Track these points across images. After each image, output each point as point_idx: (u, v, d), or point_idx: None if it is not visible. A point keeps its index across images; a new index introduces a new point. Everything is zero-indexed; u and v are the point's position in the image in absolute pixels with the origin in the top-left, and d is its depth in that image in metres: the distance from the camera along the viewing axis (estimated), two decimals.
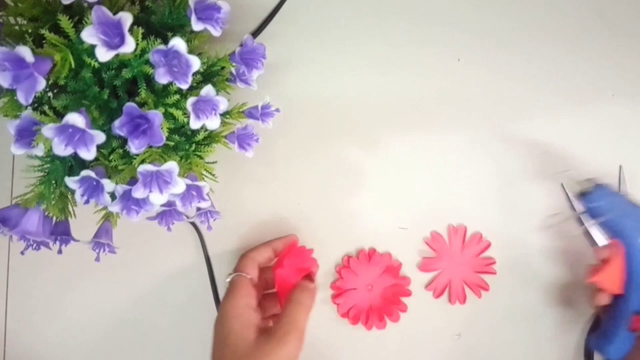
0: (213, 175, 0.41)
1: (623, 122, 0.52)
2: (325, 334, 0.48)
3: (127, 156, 0.35)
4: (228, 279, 0.43)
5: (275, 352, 0.37)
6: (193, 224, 0.48)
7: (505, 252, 0.50)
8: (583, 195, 0.43)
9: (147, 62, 0.32)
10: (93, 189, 0.33)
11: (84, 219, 0.38)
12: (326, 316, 0.49)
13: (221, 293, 0.48)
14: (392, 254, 0.49)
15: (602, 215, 0.42)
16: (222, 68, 0.39)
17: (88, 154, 0.30)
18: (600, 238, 0.47)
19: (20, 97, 0.29)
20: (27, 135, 0.32)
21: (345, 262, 0.49)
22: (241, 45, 0.39)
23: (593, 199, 0.42)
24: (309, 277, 0.45)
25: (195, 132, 0.37)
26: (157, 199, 0.33)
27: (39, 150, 0.32)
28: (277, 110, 0.42)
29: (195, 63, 0.32)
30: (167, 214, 0.39)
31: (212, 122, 0.35)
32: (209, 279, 0.48)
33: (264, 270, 0.45)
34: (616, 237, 0.43)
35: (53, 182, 0.36)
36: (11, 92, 0.31)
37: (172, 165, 0.33)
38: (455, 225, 0.50)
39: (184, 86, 0.32)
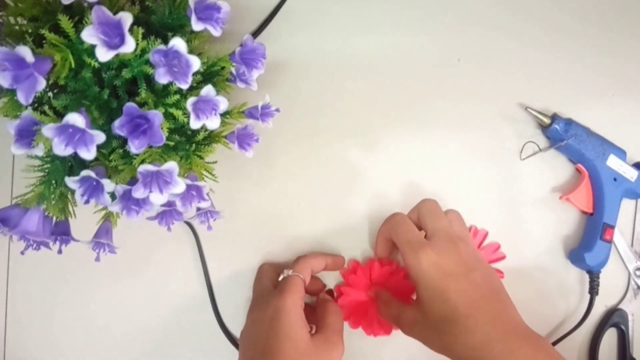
0: (213, 175, 0.41)
1: (625, 121, 0.52)
2: None
3: (127, 156, 0.35)
4: (284, 275, 0.43)
5: (332, 353, 0.40)
6: (189, 223, 0.48)
7: (509, 251, 0.50)
8: (547, 125, 0.50)
9: (147, 62, 0.32)
10: (93, 189, 0.33)
11: (84, 219, 0.38)
12: None
13: (217, 293, 0.49)
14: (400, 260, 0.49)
15: (564, 140, 0.49)
16: (222, 68, 0.39)
17: (88, 154, 0.30)
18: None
19: (20, 97, 0.29)
20: (27, 135, 0.32)
21: (352, 268, 0.49)
22: (241, 45, 0.39)
23: (555, 127, 0.49)
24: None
25: (195, 132, 0.37)
26: (157, 199, 0.33)
27: (39, 150, 0.32)
28: (277, 110, 0.42)
29: (195, 63, 0.32)
30: (167, 214, 0.39)
31: (212, 122, 0.34)
32: (205, 279, 0.48)
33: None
34: (580, 162, 0.50)
35: (53, 182, 0.36)
36: (11, 92, 0.31)
37: (172, 165, 0.33)
38: None
39: (184, 86, 0.32)
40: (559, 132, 0.49)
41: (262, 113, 0.41)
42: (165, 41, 0.31)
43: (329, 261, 0.47)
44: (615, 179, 0.49)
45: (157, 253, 0.49)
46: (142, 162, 0.34)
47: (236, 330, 0.48)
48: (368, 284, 0.48)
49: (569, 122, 0.49)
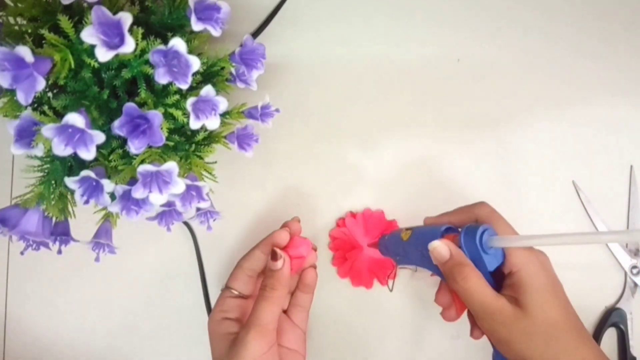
0: (213, 175, 0.41)
1: (631, 122, 0.52)
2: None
3: (127, 156, 0.35)
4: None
5: (238, 356, 0.35)
6: (187, 224, 0.48)
7: None
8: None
9: (147, 62, 0.32)
10: (93, 189, 0.33)
11: (84, 219, 0.38)
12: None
13: (214, 294, 0.49)
14: None
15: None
16: (222, 68, 0.39)
17: (88, 154, 0.30)
18: None
19: (20, 97, 0.29)
20: (27, 135, 0.32)
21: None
22: (241, 45, 0.39)
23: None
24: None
25: (195, 132, 0.37)
26: (157, 199, 0.33)
27: (39, 150, 0.32)
28: (277, 110, 0.42)
29: (195, 63, 0.32)
30: (167, 214, 0.39)
31: (212, 122, 0.34)
32: (200, 280, 0.48)
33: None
34: None
35: (53, 182, 0.36)
36: (11, 92, 0.31)
37: (172, 166, 0.33)
38: None
39: (184, 86, 0.32)
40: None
41: (262, 113, 0.41)
42: (165, 41, 0.31)
43: (263, 249, 0.41)
44: None
45: (155, 253, 0.49)
46: (142, 162, 0.34)
47: None
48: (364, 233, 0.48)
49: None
